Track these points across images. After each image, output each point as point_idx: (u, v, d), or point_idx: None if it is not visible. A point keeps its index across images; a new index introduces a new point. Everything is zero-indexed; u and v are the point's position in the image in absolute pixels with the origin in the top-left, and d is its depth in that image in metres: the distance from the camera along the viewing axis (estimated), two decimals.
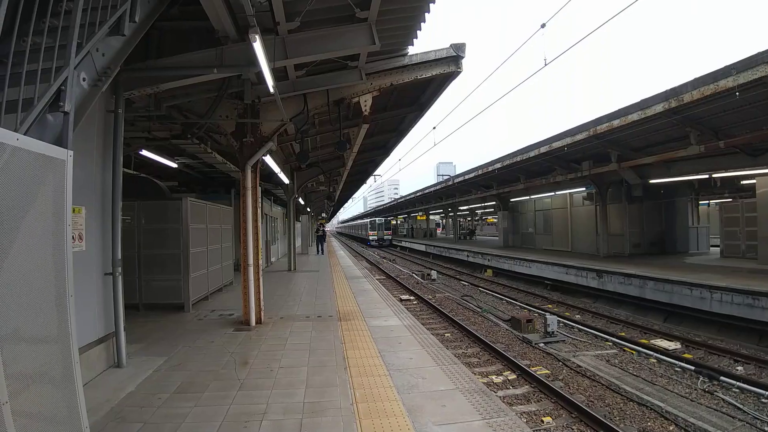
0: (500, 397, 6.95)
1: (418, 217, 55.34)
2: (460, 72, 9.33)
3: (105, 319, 5.69)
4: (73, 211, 4.63)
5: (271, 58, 5.88)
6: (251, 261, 8.35)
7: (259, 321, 8.43)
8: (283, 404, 4.68)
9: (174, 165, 12.29)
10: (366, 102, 9.19)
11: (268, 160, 10.99)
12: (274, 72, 6.27)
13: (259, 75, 7.44)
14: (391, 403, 4.69)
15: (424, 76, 9.14)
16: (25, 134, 2.44)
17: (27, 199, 2.51)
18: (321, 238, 29.74)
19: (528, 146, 18.29)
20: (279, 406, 4.64)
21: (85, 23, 2.97)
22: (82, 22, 2.86)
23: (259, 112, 8.47)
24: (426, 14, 7.33)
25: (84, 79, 3.09)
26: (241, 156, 8.42)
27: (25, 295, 2.52)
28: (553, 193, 22.91)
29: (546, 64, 7.83)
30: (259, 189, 8.81)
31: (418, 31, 7.92)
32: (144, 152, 10.03)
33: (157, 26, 6.32)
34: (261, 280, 8.60)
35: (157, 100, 7.41)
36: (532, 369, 8.49)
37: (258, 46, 4.94)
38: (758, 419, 6.33)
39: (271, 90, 6.32)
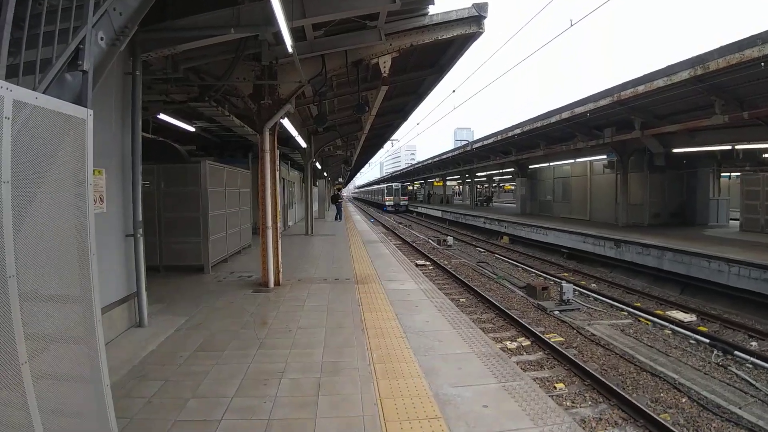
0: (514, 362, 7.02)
1: (435, 183, 55.03)
2: (482, 33, 9.04)
3: (127, 280, 5.82)
4: (94, 173, 4.68)
5: (289, 17, 5.74)
6: (269, 223, 8.42)
7: (277, 283, 8.57)
8: (301, 363, 4.78)
9: (192, 129, 12.32)
10: (385, 63, 9.00)
11: (286, 123, 10.92)
12: (292, 32, 6.13)
13: (277, 35, 7.33)
14: (407, 365, 4.76)
15: (444, 37, 8.88)
16: (44, 93, 2.42)
17: (47, 158, 2.50)
18: (338, 205, 29.39)
19: (549, 111, 17.90)
20: (297, 365, 4.74)
21: None
22: None
23: (276, 74, 8.36)
24: None
25: (102, 39, 3.04)
26: (259, 118, 8.37)
27: (46, 253, 2.54)
28: (573, 161, 22.46)
29: (572, 25, 7.53)
30: (277, 152, 8.79)
31: None
32: (162, 116, 10.03)
33: None
34: (279, 243, 8.68)
35: (174, 63, 7.34)
36: (547, 336, 8.52)
37: (276, 3, 4.80)
38: None
39: (290, 50, 6.20)
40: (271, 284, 8.43)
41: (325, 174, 32.78)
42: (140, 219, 5.91)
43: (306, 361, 4.86)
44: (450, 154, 36.61)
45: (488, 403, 3.94)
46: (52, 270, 2.58)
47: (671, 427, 5.18)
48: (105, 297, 4.94)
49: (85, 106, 2.76)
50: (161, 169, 9.33)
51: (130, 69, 5.67)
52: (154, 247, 9.13)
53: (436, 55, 11.36)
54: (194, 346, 5.27)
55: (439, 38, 8.88)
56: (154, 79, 7.86)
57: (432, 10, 8.58)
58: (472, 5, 8.77)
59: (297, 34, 7.48)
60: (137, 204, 5.86)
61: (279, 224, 8.98)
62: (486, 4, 8.77)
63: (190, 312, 6.70)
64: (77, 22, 2.67)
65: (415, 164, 57.42)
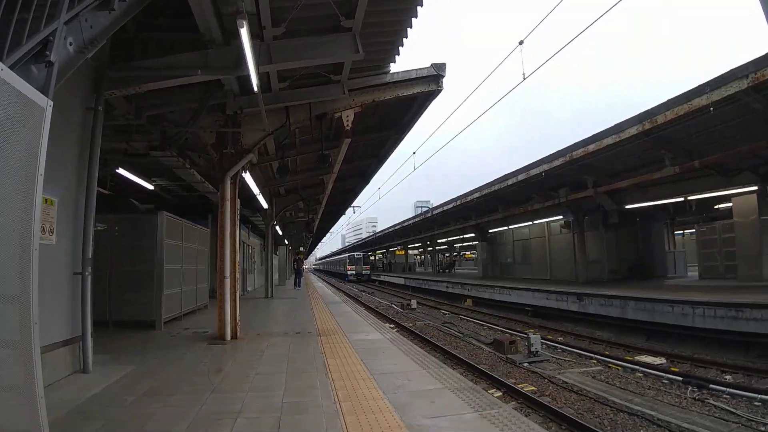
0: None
1: (397, 252, 55.24)
2: (440, 91, 9.54)
3: (72, 321, 5.39)
4: (45, 202, 4.46)
5: (257, 61, 5.90)
6: (227, 273, 8.14)
7: (235, 336, 8.15)
8: (259, 404, 4.46)
9: (150, 186, 12.08)
10: (348, 117, 9.26)
11: (249, 180, 10.89)
12: (259, 76, 6.28)
13: (242, 84, 7.52)
14: (376, 402, 4.52)
15: (405, 94, 9.30)
16: (10, 68, 2.35)
17: (2, 138, 2.38)
18: (298, 272, 28.27)
19: (506, 174, 18.63)
20: (255, 405, 4.42)
21: None
22: None
23: (240, 124, 8.44)
24: (408, 29, 7.53)
25: (70, 44, 3.03)
26: (220, 167, 8.33)
27: None
28: (531, 223, 23.17)
29: (524, 78, 8.03)
30: (237, 201, 8.69)
31: (400, 47, 8.11)
32: (120, 171, 9.84)
33: (143, 38, 6.36)
34: (238, 293, 8.36)
35: (138, 109, 7.31)
36: (519, 386, 8.32)
37: (246, 44, 4.94)
38: (753, 421, 6.28)
39: (255, 88, 6.32)
40: (228, 337, 7.99)
41: (286, 241, 32.43)
42: (90, 257, 5.59)
43: (265, 402, 4.52)
44: (411, 221, 37.15)
45: (467, 430, 3.74)
46: None
47: None
48: (47, 335, 4.53)
49: (47, 96, 2.68)
50: (117, 219, 9.00)
51: (92, 104, 5.59)
52: (104, 301, 8.55)
53: (397, 114, 11.82)
54: (142, 391, 4.83)
55: (400, 95, 9.29)
56: (116, 129, 7.78)
57: (393, 68, 9.05)
58: (431, 65, 9.29)
59: (263, 84, 7.67)
60: (88, 241, 5.56)
61: (238, 275, 8.69)
62: (444, 64, 9.32)
63: (138, 362, 6.21)
64: (51, 11, 2.67)
65: (377, 233, 57.79)
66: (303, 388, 5.05)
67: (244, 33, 4.86)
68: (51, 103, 2.64)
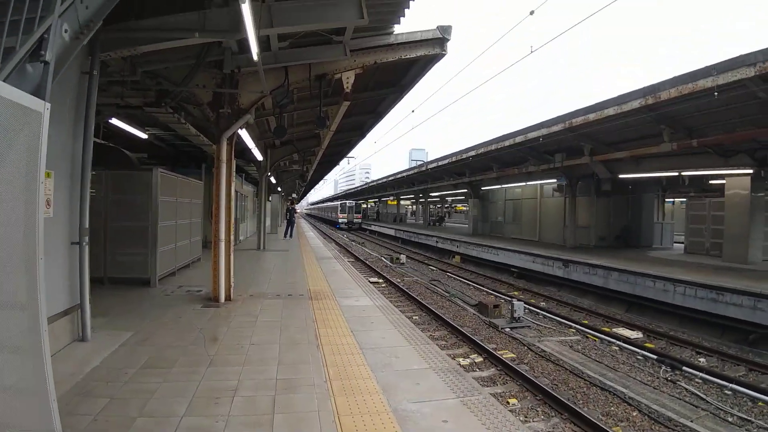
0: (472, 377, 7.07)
1: (389, 202, 55.38)
2: (444, 54, 9.28)
3: (70, 291, 5.44)
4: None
5: (257, 25, 5.66)
6: (222, 236, 8.16)
7: (228, 298, 8.27)
8: (255, 381, 4.60)
9: (144, 136, 11.82)
10: (348, 79, 9.03)
11: (244, 134, 10.71)
12: (259, 40, 6.05)
13: (241, 43, 7.26)
14: (365, 381, 4.68)
15: (408, 57, 9.05)
16: (4, 81, 2.26)
17: (2, 150, 2.33)
18: (290, 222, 26.66)
19: (504, 135, 18.47)
20: (251, 382, 4.55)
21: None
22: None
23: (237, 83, 8.22)
24: None
25: (66, 31, 2.90)
26: (217, 127, 8.16)
27: None
28: (524, 184, 23.22)
29: (532, 51, 7.84)
30: (234, 163, 8.58)
31: (406, 9, 7.78)
32: (114, 121, 9.59)
33: None
34: (232, 257, 8.41)
35: (133, 65, 7.05)
36: (499, 352, 8.64)
37: (246, 9, 4.72)
38: (721, 410, 6.51)
39: (255, 58, 6.10)
40: (222, 299, 8.12)
41: (279, 189, 32.31)
42: (87, 227, 5.58)
43: (260, 378, 4.67)
44: (405, 174, 37.02)
45: (448, 418, 3.93)
46: None
47: None
48: (48, 308, 4.59)
49: (44, 99, 2.60)
50: (110, 176, 8.88)
51: (87, 68, 5.38)
52: (99, 257, 8.56)
53: (398, 74, 11.52)
54: (140, 363, 4.96)
55: (403, 57, 9.04)
56: (110, 81, 7.53)
57: (397, 29, 8.74)
58: (437, 27, 8.99)
59: (262, 44, 7.37)
60: (84, 211, 5.53)
61: (232, 237, 8.72)
62: (450, 27, 9.02)
63: (135, 326, 6.32)
64: (44, 12, 2.52)
65: (370, 182, 57.68)
66: (296, 362, 5.20)
67: (245, 9, 4.64)
68: (48, 105, 2.55)
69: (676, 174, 15.22)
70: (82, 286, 5.55)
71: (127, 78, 7.22)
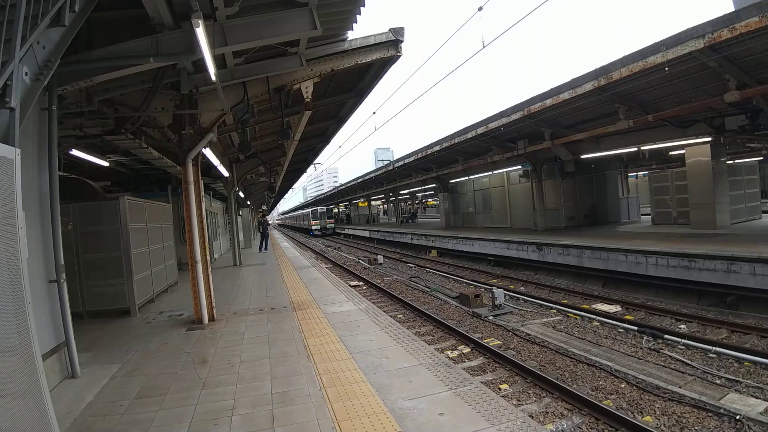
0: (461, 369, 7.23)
1: (360, 204, 55.40)
2: (399, 56, 9.41)
3: (54, 329, 5.36)
4: None
5: (211, 45, 5.69)
6: (199, 257, 8.12)
7: (212, 318, 8.24)
8: (250, 397, 4.64)
9: (106, 164, 11.60)
10: (307, 88, 9.07)
11: (207, 152, 10.63)
12: (215, 60, 6.07)
13: (196, 63, 7.23)
14: (359, 385, 4.78)
15: (364, 61, 9.13)
16: None
17: None
18: (264, 234, 26.65)
19: (465, 128, 18.75)
20: (247, 400, 4.60)
21: (28, 15, 2.76)
22: (25, 14, 2.66)
23: (197, 103, 8.18)
24: None
25: (26, 74, 2.89)
26: (180, 149, 8.11)
27: None
28: (490, 173, 23.67)
29: (484, 46, 8.06)
30: (201, 183, 8.54)
31: (357, 15, 7.87)
32: (74, 152, 9.39)
33: (87, 18, 5.94)
34: (210, 276, 8.38)
35: (89, 95, 6.95)
36: (485, 341, 8.84)
37: (201, 32, 4.77)
38: (708, 373, 6.72)
39: (213, 78, 6.15)
40: (206, 320, 8.09)
41: (248, 202, 31.98)
42: (62, 263, 5.50)
43: (255, 394, 4.73)
44: (373, 175, 37.11)
45: (443, 410, 4.07)
46: None
47: (615, 411, 5.54)
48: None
49: (13, 146, 2.62)
50: (77, 208, 8.69)
51: (46, 104, 5.31)
52: (75, 292, 8.39)
53: (355, 79, 11.62)
54: (134, 393, 4.94)
55: (359, 62, 9.12)
56: (67, 114, 7.40)
57: (351, 35, 8.83)
58: (389, 30, 9.11)
59: (217, 62, 7.38)
60: (58, 247, 5.45)
61: (208, 257, 8.68)
62: (402, 28, 9.15)
63: (122, 358, 6.26)
64: (4, 57, 2.53)
65: (339, 186, 57.56)
66: (288, 374, 5.27)
67: (200, 32, 4.67)
68: (18, 151, 2.57)
69: (636, 149, 15.76)
70: (66, 323, 5.47)
71: (84, 108, 7.11)
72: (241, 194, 23.68)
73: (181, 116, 8.07)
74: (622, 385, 6.53)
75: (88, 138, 8.63)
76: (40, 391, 2.61)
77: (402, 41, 9.23)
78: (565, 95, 12.28)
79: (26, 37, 2.82)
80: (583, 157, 17.60)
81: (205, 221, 8.49)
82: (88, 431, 4.05)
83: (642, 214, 22.44)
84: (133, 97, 7.87)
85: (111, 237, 8.89)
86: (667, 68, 9.35)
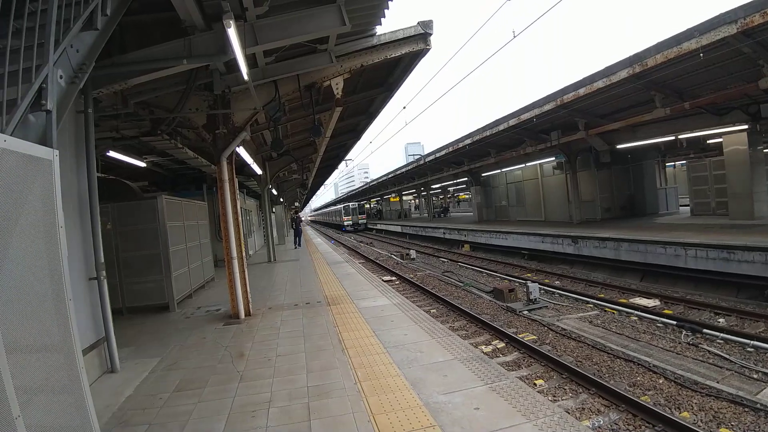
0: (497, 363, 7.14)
1: (391, 199, 55.44)
2: (428, 49, 9.31)
3: (94, 325, 5.57)
4: None
5: (243, 45, 5.75)
6: (234, 254, 8.28)
7: (248, 313, 8.40)
8: (287, 390, 4.71)
9: (143, 164, 11.98)
10: (337, 85, 9.09)
11: (241, 151, 10.82)
12: (247, 60, 6.14)
13: (228, 63, 7.34)
14: (394, 379, 4.78)
15: (393, 55, 9.09)
16: (11, 135, 2.35)
17: (18, 203, 2.42)
18: (297, 231, 27.00)
19: (497, 120, 18.48)
20: (283, 393, 4.66)
21: (60, 20, 2.84)
22: (57, 18, 2.74)
23: (229, 103, 8.31)
24: None
25: (61, 77, 2.98)
26: (215, 148, 8.27)
27: (24, 301, 2.45)
28: (523, 165, 23.25)
29: (515, 36, 7.89)
30: (236, 180, 8.68)
31: (386, 10, 7.84)
32: (111, 153, 9.72)
33: (119, 22, 6.10)
34: (246, 272, 8.52)
35: (124, 98, 7.16)
36: (520, 336, 8.71)
37: (232, 32, 4.83)
38: (746, 368, 6.52)
39: (246, 77, 6.22)
40: (242, 315, 8.25)
41: (281, 199, 32.45)
42: (102, 261, 5.69)
43: (291, 387, 4.79)
44: (404, 170, 37.08)
45: (479, 405, 4.02)
46: (31, 318, 2.48)
47: (653, 408, 5.37)
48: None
49: (51, 147, 2.69)
50: (116, 208, 9.00)
51: (82, 107, 5.49)
52: (115, 289, 8.71)
53: (385, 73, 11.59)
54: (172, 387, 5.08)
55: (388, 57, 9.08)
56: (103, 116, 7.64)
57: (379, 30, 8.80)
58: (418, 23, 9.03)
59: (249, 61, 7.48)
60: (98, 245, 5.65)
61: (244, 253, 8.83)
62: (431, 21, 9.05)
63: (161, 352, 6.45)
64: (39, 60, 2.61)
65: (370, 182, 57.77)
66: (323, 368, 5.32)
67: (231, 32, 4.73)
68: (57, 152, 2.65)
69: (673, 138, 15.21)
70: (105, 319, 5.67)
71: (120, 111, 7.32)
72: (274, 191, 24.02)
73: (215, 116, 8.22)
74: (660, 381, 6.35)
75: (124, 140, 8.92)
76: (81, 386, 2.69)
77: (431, 34, 9.14)
78: (599, 84, 11.94)
79: (59, 41, 2.89)
80: (618, 147, 17.07)
81: (240, 218, 8.64)
82: (127, 425, 4.17)
83: (681, 205, 21.64)
84: (167, 99, 8.06)
85: (149, 235, 9.16)
86: (701, 54, 9.02)
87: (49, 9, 2.65)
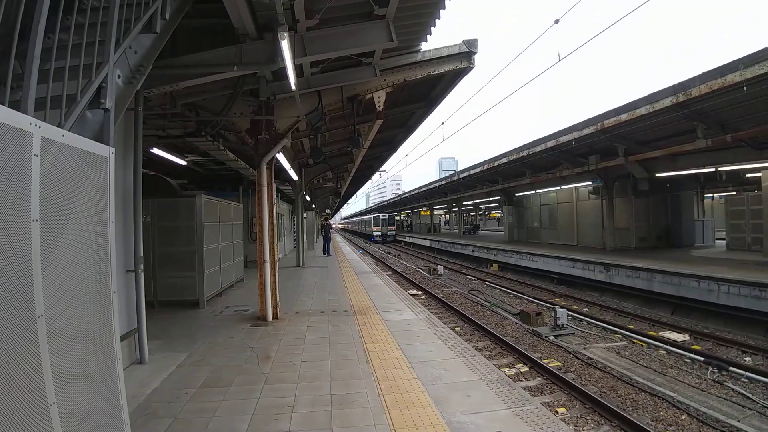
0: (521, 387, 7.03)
1: (422, 213, 55.33)
2: (472, 68, 9.34)
3: (127, 316, 5.74)
4: None
5: (293, 58, 5.90)
6: (267, 257, 8.42)
7: (275, 316, 8.51)
8: (310, 397, 4.74)
9: (183, 162, 12.33)
10: (380, 98, 9.22)
11: (280, 156, 11.03)
12: (295, 70, 6.30)
13: (274, 72, 7.54)
14: (417, 395, 4.76)
15: (436, 72, 9.15)
16: (69, 130, 2.47)
17: (71, 197, 2.52)
18: (327, 238, 26.41)
19: (535, 141, 18.29)
20: (307, 398, 4.69)
21: (121, 20, 2.99)
22: (118, 18, 2.88)
23: (273, 109, 8.50)
24: (441, 10, 7.35)
25: (119, 77, 3.12)
26: (256, 153, 8.46)
27: (70, 291, 2.54)
28: (558, 188, 22.90)
29: (560, 60, 7.84)
30: (274, 186, 8.86)
31: (432, 28, 7.94)
32: (155, 150, 10.05)
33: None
34: (277, 276, 8.65)
35: (173, 99, 7.44)
36: (544, 361, 8.53)
37: (285, 44, 4.96)
38: (767, 408, 6.43)
39: (293, 86, 6.37)
40: (270, 318, 8.36)
41: (313, 206, 32.83)
42: (141, 255, 5.88)
43: (315, 394, 4.83)
44: (437, 184, 36.98)
45: (502, 428, 3.97)
46: (75, 307, 2.58)
47: None
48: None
49: (108, 144, 2.81)
50: (156, 204, 9.28)
51: (132, 105, 5.72)
52: (149, 282, 8.92)
53: (426, 89, 11.66)
54: (199, 383, 5.18)
55: (431, 73, 9.15)
56: (150, 114, 7.93)
57: (424, 46, 8.88)
58: (463, 42, 9.08)
59: (296, 71, 7.66)
60: (138, 240, 5.84)
61: (276, 258, 8.97)
62: (476, 40, 9.09)
63: (189, 348, 6.60)
64: (99, 59, 2.73)
65: (403, 194, 57.81)
66: (347, 377, 5.34)
67: (284, 44, 4.87)
68: (113, 150, 2.77)
69: (713, 170, 14.78)
70: (139, 311, 5.84)
71: (168, 111, 7.60)
72: (308, 197, 24.32)
73: (258, 121, 8.43)
74: (683, 417, 6.23)
75: (169, 138, 9.21)
76: (116, 376, 2.77)
77: (475, 53, 9.17)
78: (642, 110, 11.72)
79: (119, 41, 3.03)
80: (658, 175, 16.63)
81: (275, 222, 8.79)
82: (152, 417, 4.27)
83: (717, 238, 20.92)
84: (213, 102, 8.32)
85: (186, 232, 9.41)
86: (745, 87, 8.78)
87: (111, 8, 2.78)
